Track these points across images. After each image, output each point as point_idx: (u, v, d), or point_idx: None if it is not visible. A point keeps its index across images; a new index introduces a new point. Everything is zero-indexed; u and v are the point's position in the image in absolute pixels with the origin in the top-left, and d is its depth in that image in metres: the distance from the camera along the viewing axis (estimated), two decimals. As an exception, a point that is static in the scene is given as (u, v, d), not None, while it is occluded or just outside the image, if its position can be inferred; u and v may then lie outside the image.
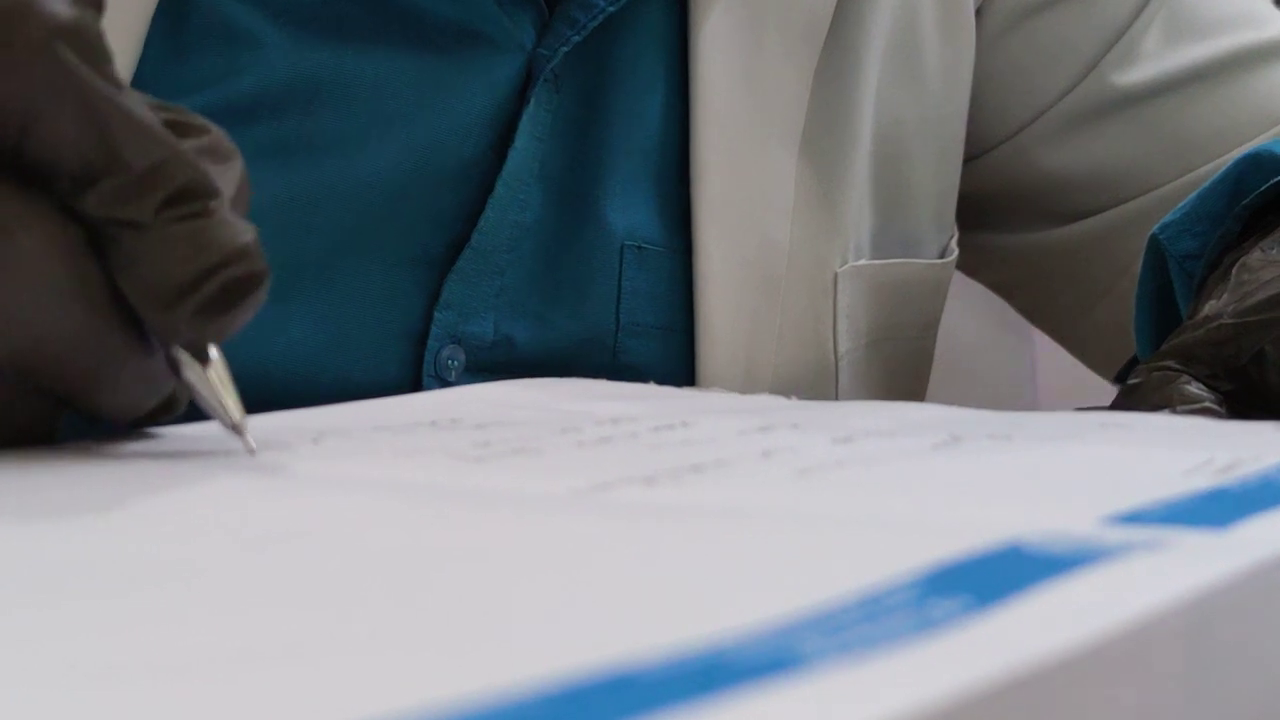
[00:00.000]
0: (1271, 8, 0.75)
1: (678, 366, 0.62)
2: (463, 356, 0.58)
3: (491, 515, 0.31)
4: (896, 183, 0.68)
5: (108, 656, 0.22)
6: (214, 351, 0.36)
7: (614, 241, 0.61)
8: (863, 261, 0.66)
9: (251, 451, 0.36)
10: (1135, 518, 0.29)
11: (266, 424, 0.42)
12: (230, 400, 0.36)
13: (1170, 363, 0.51)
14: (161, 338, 0.36)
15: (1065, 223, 0.74)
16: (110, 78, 0.35)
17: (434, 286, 0.58)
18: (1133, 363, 0.75)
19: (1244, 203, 0.56)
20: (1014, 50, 0.72)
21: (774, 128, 0.62)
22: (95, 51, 0.35)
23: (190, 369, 0.36)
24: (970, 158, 0.72)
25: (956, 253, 0.72)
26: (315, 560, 0.27)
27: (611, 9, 0.59)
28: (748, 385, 0.62)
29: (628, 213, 0.61)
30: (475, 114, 0.58)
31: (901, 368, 0.70)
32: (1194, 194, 0.60)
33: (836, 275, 0.65)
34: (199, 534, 0.29)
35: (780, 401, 0.50)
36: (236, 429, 0.36)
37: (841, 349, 0.66)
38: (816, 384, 0.65)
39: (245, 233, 0.36)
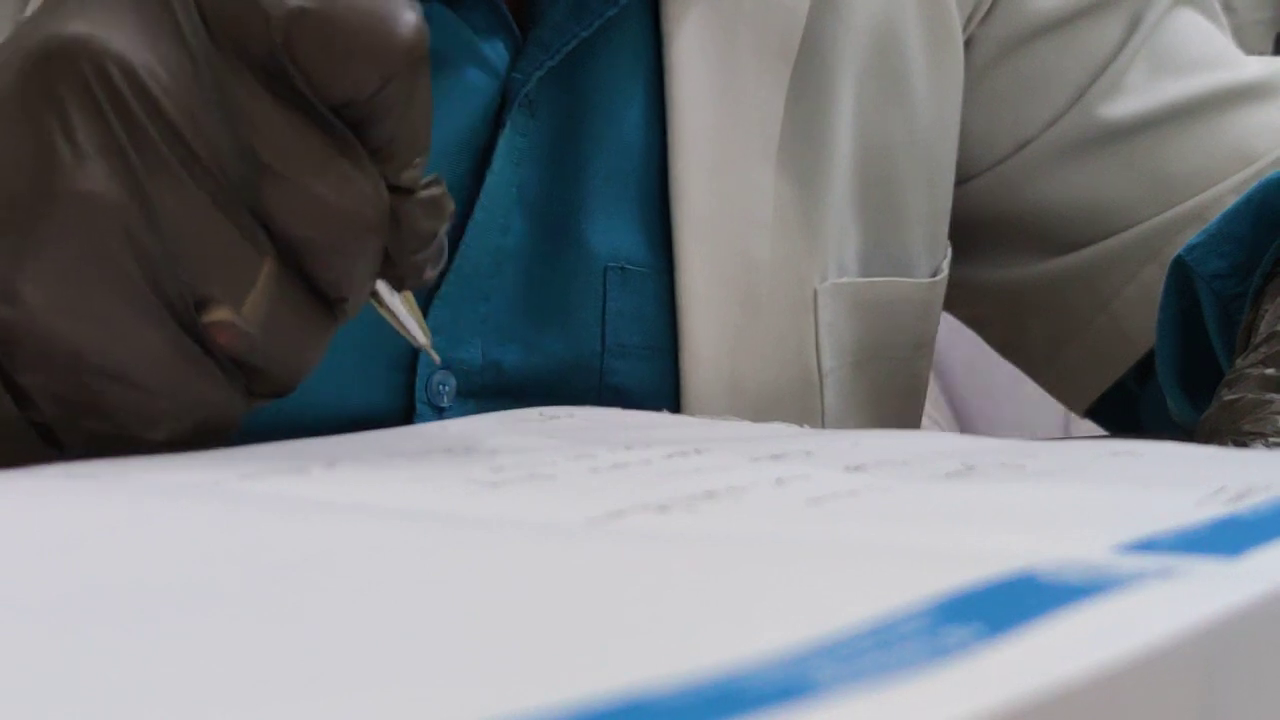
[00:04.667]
0: (1238, 52, 0.76)
1: (663, 386, 0.62)
2: (454, 382, 0.58)
3: (505, 542, 0.31)
4: (886, 204, 0.68)
5: (121, 684, 0.22)
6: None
7: (597, 263, 0.61)
8: (845, 279, 0.66)
9: (437, 363, 0.49)
10: (1148, 546, 0.29)
11: (279, 451, 0.42)
12: (420, 323, 0.46)
13: (1273, 370, 0.51)
14: (399, 274, 0.44)
15: (1046, 256, 0.74)
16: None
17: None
18: (1106, 398, 0.75)
19: None
20: (1002, 80, 0.72)
21: (751, 144, 0.63)
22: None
23: (391, 299, 0.45)
24: (956, 184, 0.72)
25: (947, 273, 0.72)
26: (328, 587, 0.27)
27: (585, 33, 0.59)
28: (733, 403, 0.62)
29: (609, 234, 0.61)
30: (452, 139, 0.58)
31: (891, 388, 0.70)
32: (1217, 218, 0.60)
33: (816, 291, 0.65)
34: (212, 561, 0.30)
35: (793, 430, 0.50)
36: (425, 347, 0.46)
37: (825, 366, 0.66)
38: (801, 401, 0.65)
39: (451, 203, 0.44)
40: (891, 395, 0.70)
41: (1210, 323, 0.59)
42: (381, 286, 0.45)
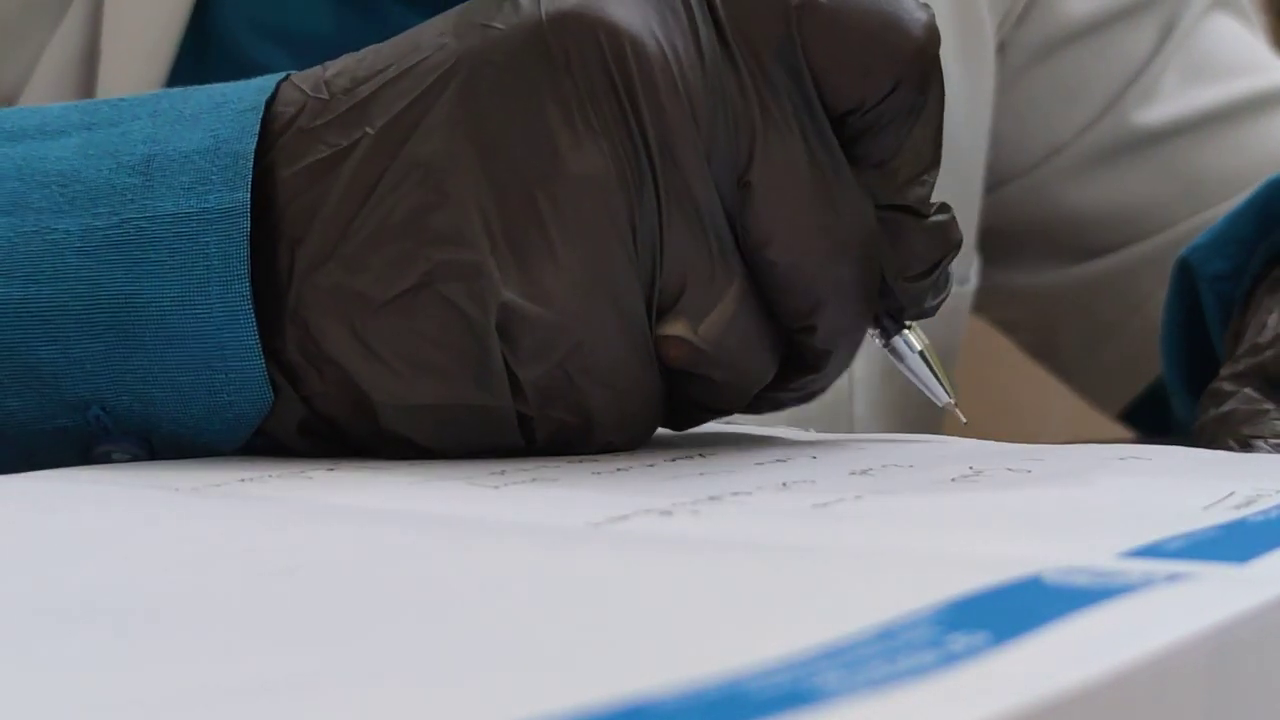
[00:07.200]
0: (1274, 56, 0.76)
1: None
2: None
3: (508, 546, 0.31)
4: None
5: (119, 689, 0.22)
6: (921, 335, 0.44)
7: None
8: None
9: (963, 423, 0.45)
10: (1155, 551, 0.29)
11: (279, 453, 0.42)
12: (942, 378, 0.44)
13: (1251, 390, 0.51)
14: (901, 307, 0.42)
15: (1078, 261, 0.74)
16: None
17: None
18: (1141, 401, 0.75)
19: None
20: (1035, 86, 0.72)
21: None
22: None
23: (908, 355, 0.43)
24: (987, 190, 0.72)
25: (975, 281, 0.72)
26: (329, 591, 0.27)
27: None
28: None
29: None
30: None
31: (918, 398, 0.70)
32: (1222, 218, 0.60)
33: None
34: (211, 564, 0.29)
35: (798, 433, 0.50)
36: (947, 405, 0.44)
37: (857, 375, 0.66)
38: (831, 409, 0.65)
39: (960, 235, 0.43)
40: (918, 405, 0.70)
41: (1212, 324, 0.59)
42: (898, 341, 0.43)
